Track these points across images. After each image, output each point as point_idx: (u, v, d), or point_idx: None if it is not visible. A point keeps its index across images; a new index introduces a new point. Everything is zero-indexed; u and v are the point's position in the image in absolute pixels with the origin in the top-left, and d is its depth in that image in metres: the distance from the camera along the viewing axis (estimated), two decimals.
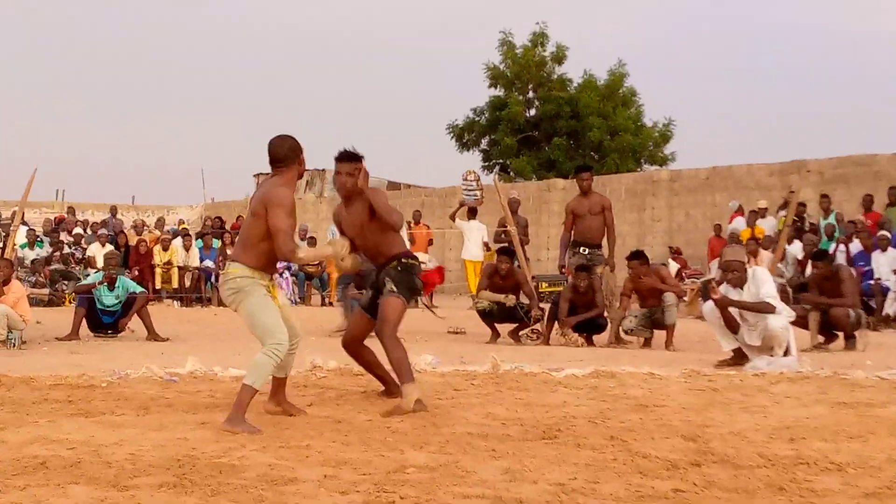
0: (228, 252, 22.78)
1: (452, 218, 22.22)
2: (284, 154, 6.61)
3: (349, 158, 7.25)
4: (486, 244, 21.43)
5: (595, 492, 4.64)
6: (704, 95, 76.75)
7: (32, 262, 21.53)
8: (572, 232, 13.51)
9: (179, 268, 21.99)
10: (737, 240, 18.77)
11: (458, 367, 9.77)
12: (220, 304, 20.23)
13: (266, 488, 4.63)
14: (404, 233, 23.39)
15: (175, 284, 21.93)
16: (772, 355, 9.83)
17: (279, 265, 20.24)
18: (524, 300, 13.60)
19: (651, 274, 13.00)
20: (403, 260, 7.35)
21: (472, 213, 21.68)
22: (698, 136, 68.49)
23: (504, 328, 13.54)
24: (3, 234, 20.66)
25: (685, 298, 17.80)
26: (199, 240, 23.33)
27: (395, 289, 7.22)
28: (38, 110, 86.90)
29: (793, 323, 10.39)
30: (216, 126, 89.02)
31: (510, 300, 13.42)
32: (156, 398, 7.57)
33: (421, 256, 22.97)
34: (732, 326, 10.14)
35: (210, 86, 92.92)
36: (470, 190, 21.74)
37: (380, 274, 7.34)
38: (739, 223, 21.33)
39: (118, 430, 6.25)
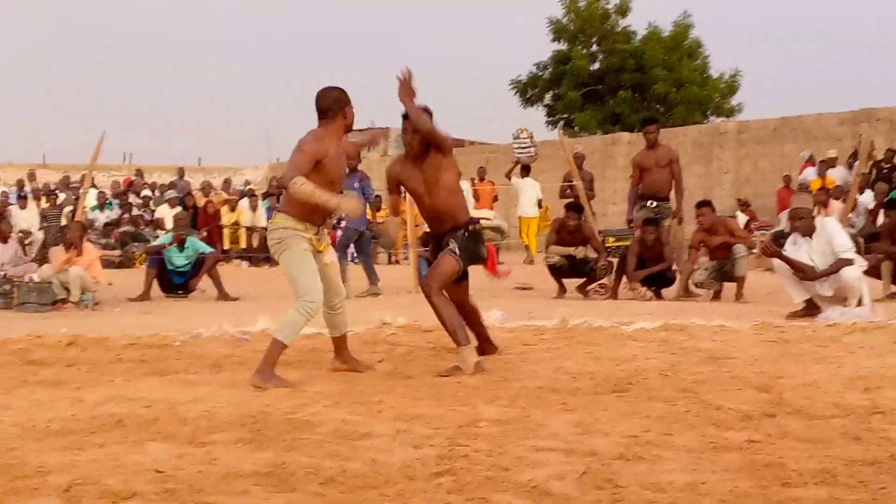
0: None
1: (508, 176, 22.21)
2: (328, 105, 6.55)
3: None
4: (539, 201, 21.38)
5: (668, 443, 4.63)
6: (771, 44, 75.65)
7: (105, 225, 21.81)
8: (639, 186, 13.42)
9: (247, 228, 22.16)
10: (806, 189, 18.53)
11: (526, 322, 9.76)
12: None
13: (340, 443, 4.67)
14: (468, 189, 23.35)
15: (243, 245, 22.10)
16: (845, 306, 9.70)
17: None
18: (591, 254, 13.55)
19: (719, 228, 12.89)
20: (471, 227, 7.18)
21: (525, 171, 21.66)
22: (766, 87, 67.57)
23: (571, 284, 13.51)
24: (74, 197, 20.94)
25: (755, 250, 17.61)
26: (266, 200, 23.46)
27: (456, 251, 7.07)
28: (105, 74, 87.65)
29: (865, 273, 10.24)
30: (282, 87, 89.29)
31: (580, 252, 13.38)
32: (228, 356, 7.65)
33: (486, 213, 22.97)
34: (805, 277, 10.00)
35: (275, 47, 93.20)
36: (523, 147, 21.65)
37: (445, 236, 7.18)
38: (810, 173, 21.05)
39: (192, 388, 6.33)
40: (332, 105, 6.54)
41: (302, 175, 6.35)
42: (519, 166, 21.65)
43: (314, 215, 6.58)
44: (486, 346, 7.52)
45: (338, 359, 7.04)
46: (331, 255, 6.83)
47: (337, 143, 6.57)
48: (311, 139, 6.48)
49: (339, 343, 7.03)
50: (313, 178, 6.36)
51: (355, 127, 6.76)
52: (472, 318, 7.41)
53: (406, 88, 6.80)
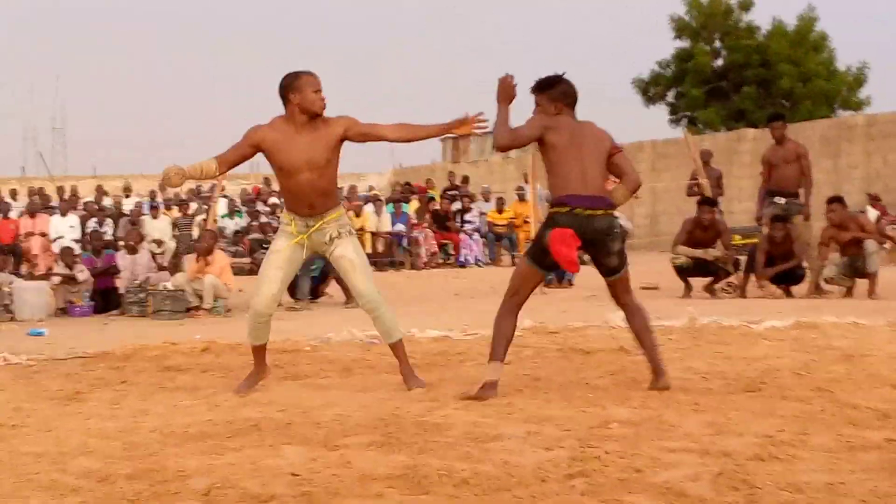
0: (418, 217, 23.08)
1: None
2: (279, 94, 6.34)
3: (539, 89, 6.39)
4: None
5: (804, 443, 4.55)
6: None
7: (234, 233, 22.20)
8: (768, 182, 13.22)
9: (372, 233, 22.33)
10: None
11: (653, 322, 9.67)
12: (413, 267, 20.54)
13: (472, 445, 4.69)
14: None
15: (368, 249, 22.28)
16: None
17: (468, 226, 20.09)
18: (717, 253, 13.36)
19: (850, 223, 12.63)
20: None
21: None
22: (895, 78, 65.84)
23: (698, 283, 13.35)
24: (205, 206, 21.36)
25: (886, 245, 17.21)
26: (390, 205, 23.63)
27: (528, 253, 6.37)
28: (235, 84, 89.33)
29: None
30: (404, 92, 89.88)
31: (709, 254, 13.20)
32: (358, 360, 7.74)
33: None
34: None
35: (397, 54, 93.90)
36: None
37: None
38: None
39: (324, 392, 6.42)
40: (280, 93, 6.33)
41: (218, 157, 6.35)
42: None
43: (296, 205, 6.42)
44: (652, 372, 6.24)
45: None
46: (343, 249, 6.44)
47: (294, 129, 6.28)
48: (252, 127, 6.37)
49: (394, 353, 6.62)
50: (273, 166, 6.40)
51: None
52: (633, 326, 6.33)
53: (504, 91, 6.21)
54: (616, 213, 6.10)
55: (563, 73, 6.23)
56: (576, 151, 6.02)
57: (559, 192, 6.03)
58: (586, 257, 6.22)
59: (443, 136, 6.88)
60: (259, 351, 6.69)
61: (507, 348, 6.20)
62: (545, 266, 6.14)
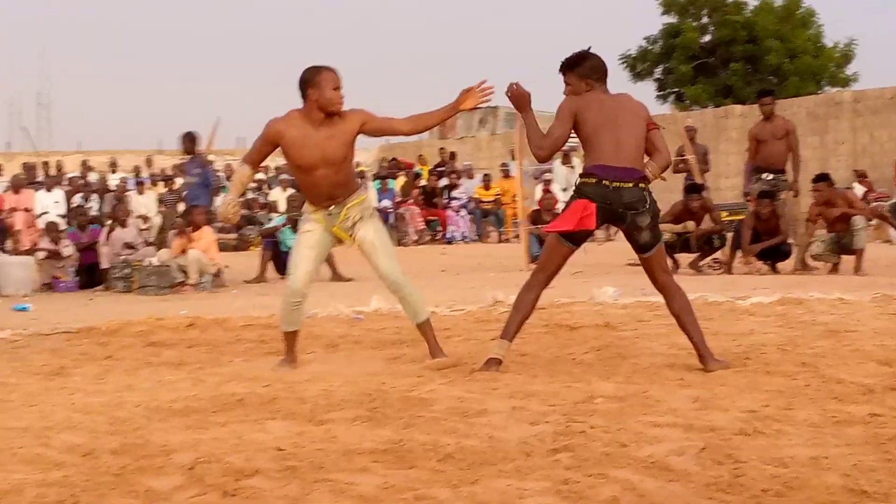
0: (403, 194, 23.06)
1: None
2: (299, 87, 6.28)
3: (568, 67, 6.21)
4: None
5: (789, 417, 4.56)
6: (888, 11, 73.68)
7: None
8: (755, 158, 13.22)
9: None
10: None
11: (640, 298, 9.70)
12: (400, 243, 20.53)
13: (457, 420, 4.68)
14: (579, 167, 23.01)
15: None
16: None
17: (455, 202, 20.13)
18: (704, 228, 13.37)
19: (837, 200, 12.65)
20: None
21: None
22: (882, 55, 65.80)
23: (684, 260, 13.37)
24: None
25: (873, 222, 17.24)
26: (377, 181, 23.61)
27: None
28: (219, 62, 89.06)
29: None
30: (390, 70, 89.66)
31: (691, 227, 13.24)
32: (344, 336, 7.73)
33: None
34: None
35: (384, 32, 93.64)
36: None
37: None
38: None
39: (310, 367, 6.43)
40: (300, 87, 6.27)
41: (247, 161, 6.50)
42: None
43: (316, 198, 6.40)
44: (698, 356, 6.02)
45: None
46: (364, 231, 6.41)
47: (311, 125, 6.23)
48: (269, 122, 6.32)
49: (422, 334, 6.59)
50: (288, 162, 6.40)
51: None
52: (673, 308, 6.13)
53: (518, 101, 6.15)
54: (648, 186, 5.96)
55: (589, 48, 6.16)
56: (609, 123, 5.89)
57: (590, 163, 5.91)
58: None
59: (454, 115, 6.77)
60: (291, 338, 6.54)
61: (520, 326, 6.12)
62: (573, 240, 6.00)
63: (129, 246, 14.10)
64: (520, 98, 6.09)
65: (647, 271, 6.14)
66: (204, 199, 14.09)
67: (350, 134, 6.27)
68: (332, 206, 6.36)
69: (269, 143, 6.32)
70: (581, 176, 5.97)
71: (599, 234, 14.60)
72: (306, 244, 6.40)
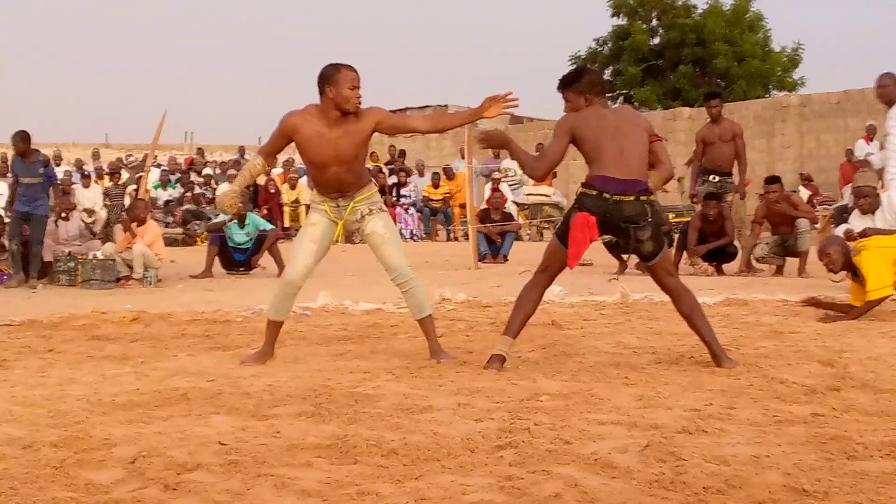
0: None
1: None
2: (318, 83, 6.25)
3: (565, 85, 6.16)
4: None
5: (731, 417, 4.59)
6: (834, 17, 74.55)
7: (167, 203, 21.99)
8: (702, 160, 13.33)
9: (307, 206, 22.22)
10: (870, 166, 18.27)
11: (586, 297, 9.74)
12: (348, 240, 20.47)
13: (402, 416, 4.68)
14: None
15: (303, 222, 22.18)
16: None
17: (404, 200, 20.15)
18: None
19: (784, 202, 12.77)
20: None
21: None
22: (829, 60, 66.58)
23: (632, 260, 13.40)
24: (137, 175, 21.14)
25: (817, 225, 17.44)
26: None
27: (556, 229, 6.32)
28: (165, 53, 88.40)
29: None
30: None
31: None
32: (290, 332, 7.69)
33: (545, 190, 22.91)
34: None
35: (330, 26, 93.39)
36: None
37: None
38: (861, 147, 20.83)
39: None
40: (318, 83, 6.26)
41: (261, 152, 6.54)
42: None
43: (326, 191, 6.43)
44: (711, 356, 6.00)
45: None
46: (373, 225, 6.42)
47: (326, 122, 6.21)
48: (286, 115, 6.33)
49: (423, 330, 6.58)
50: (302, 156, 6.39)
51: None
52: (681, 309, 6.10)
53: (496, 143, 6.25)
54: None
55: (587, 65, 6.15)
56: (611, 135, 5.85)
57: (592, 172, 5.87)
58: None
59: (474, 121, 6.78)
60: (273, 329, 6.52)
61: (523, 324, 6.10)
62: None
63: (71, 239, 13.95)
64: (496, 141, 6.18)
65: (652, 277, 6.16)
66: (44, 202, 13.50)
67: (364, 134, 6.28)
68: (341, 199, 6.40)
69: (283, 136, 6.33)
70: (582, 185, 5.92)
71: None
72: (309, 237, 6.44)
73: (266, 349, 6.49)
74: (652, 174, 6.00)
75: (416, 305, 6.50)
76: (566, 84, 6.11)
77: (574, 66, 6.06)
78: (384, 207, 6.61)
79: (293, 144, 6.36)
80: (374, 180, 6.83)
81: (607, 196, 5.77)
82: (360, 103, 6.22)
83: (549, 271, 6.14)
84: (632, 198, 5.79)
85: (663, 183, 6.12)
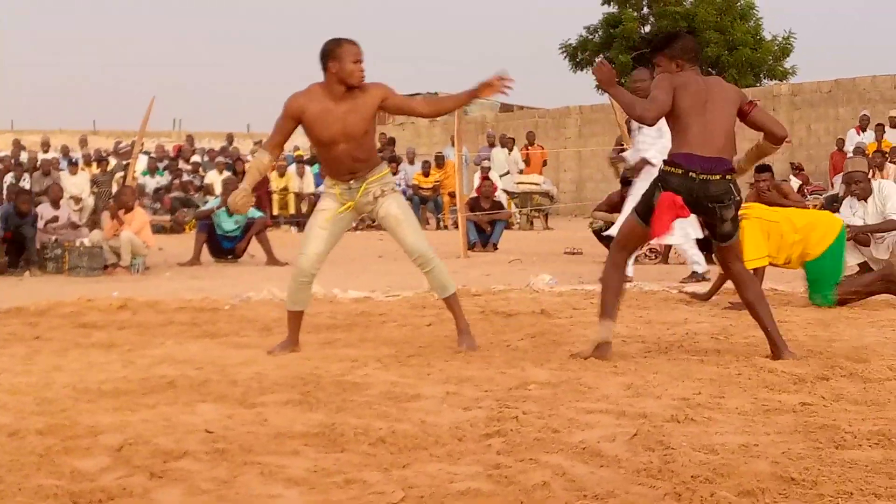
0: None
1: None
2: (319, 60, 6.20)
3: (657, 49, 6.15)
4: None
5: (720, 406, 4.59)
6: (826, 6, 74.56)
7: (155, 190, 21.94)
8: None
9: (296, 194, 22.21)
10: (862, 153, 18.28)
11: (576, 286, 9.73)
12: None
13: (390, 405, 4.67)
14: (518, 154, 23.11)
15: (292, 210, 22.14)
16: None
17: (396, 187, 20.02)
18: None
19: (774, 191, 12.75)
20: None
21: None
22: (820, 49, 66.65)
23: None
24: (125, 163, 21.06)
25: None
26: (315, 165, 23.47)
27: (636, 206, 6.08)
28: (155, 40, 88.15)
29: None
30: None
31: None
32: (278, 320, 7.65)
33: (535, 178, 22.90)
34: (861, 240, 9.81)
35: (320, 13, 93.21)
36: None
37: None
38: (852, 136, 20.85)
39: (242, 350, 6.37)
40: (320, 59, 6.19)
41: (267, 146, 6.42)
42: None
43: (336, 173, 6.33)
44: (771, 347, 5.88)
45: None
46: (388, 207, 6.32)
47: (331, 99, 6.14)
48: (290, 97, 6.25)
49: (448, 308, 6.50)
50: (309, 137, 6.36)
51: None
52: (746, 297, 6.03)
53: (605, 78, 5.85)
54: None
55: (679, 29, 6.04)
56: (699, 108, 5.70)
57: (676, 150, 5.73)
58: None
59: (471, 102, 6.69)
60: (295, 319, 6.43)
61: (617, 304, 6.00)
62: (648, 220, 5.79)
63: (56, 221, 13.92)
64: (606, 74, 5.83)
65: (720, 259, 6.10)
66: None
67: (370, 107, 6.20)
68: (352, 181, 6.29)
69: (291, 119, 6.23)
70: (665, 164, 5.76)
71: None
72: (319, 223, 6.34)
73: (291, 337, 6.41)
74: (763, 143, 5.96)
75: (440, 285, 6.41)
76: (658, 48, 6.02)
77: (667, 31, 5.81)
78: (396, 188, 6.53)
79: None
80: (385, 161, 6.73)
81: (693, 175, 5.61)
82: (363, 77, 6.16)
83: (627, 249, 6.10)
84: (718, 176, 5.65)
85: (777, 147, 6.00)
